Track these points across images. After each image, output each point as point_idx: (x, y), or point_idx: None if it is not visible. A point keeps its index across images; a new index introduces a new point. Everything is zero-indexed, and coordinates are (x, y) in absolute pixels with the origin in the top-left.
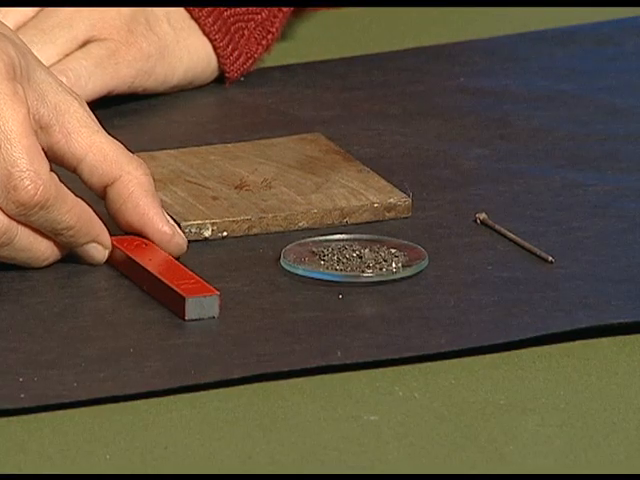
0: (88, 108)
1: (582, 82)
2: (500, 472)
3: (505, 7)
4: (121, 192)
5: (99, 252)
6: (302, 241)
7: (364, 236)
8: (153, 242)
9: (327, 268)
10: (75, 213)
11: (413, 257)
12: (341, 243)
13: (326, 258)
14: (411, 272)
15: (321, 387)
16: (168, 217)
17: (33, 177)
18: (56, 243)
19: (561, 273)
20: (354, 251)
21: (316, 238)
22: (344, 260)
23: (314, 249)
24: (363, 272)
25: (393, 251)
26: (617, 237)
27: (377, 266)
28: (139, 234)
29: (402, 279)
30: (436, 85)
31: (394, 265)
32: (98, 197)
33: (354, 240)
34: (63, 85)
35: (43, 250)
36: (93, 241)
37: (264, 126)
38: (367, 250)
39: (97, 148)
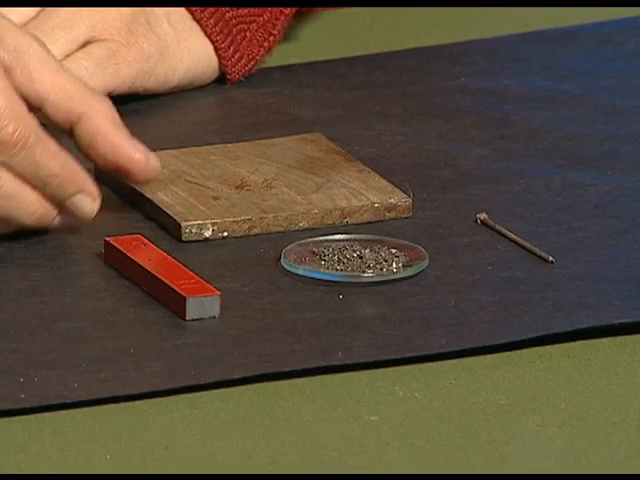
0: (47, 48)
1: (582, 82)
2: (500, 472)
3: (506, 7)
4: (89, 127)
5: (88, 203)
6: (303, 241)
7: (364, 236)
8: (128, 170)
9: (328, 268)
10: (59, 160)
11: (413, 257)
12: (342, 243)
13: (327, 258)
14: (411, 272)
15: (322, 387)
16: (138, 143)
17: (12, 115)
18: (44, 196)
19: (561, 273)
20: (355, 251)
21: (317, 238)
22: (345, 260)
23: (315, 249)
24: (364, 272)
25: (394, 251)
26: (617, 237)
27: (377, 266)
28: (113, 166)
29: (403, 279)
30: (436, 85)
31: (394, 265)
32: (67, 133)
33: (354, 240)
34: (20, 28)
35: (31, 201)
36: (80, 191)
37: (265, 126)
38: (367, 250)
39: (59, 86)
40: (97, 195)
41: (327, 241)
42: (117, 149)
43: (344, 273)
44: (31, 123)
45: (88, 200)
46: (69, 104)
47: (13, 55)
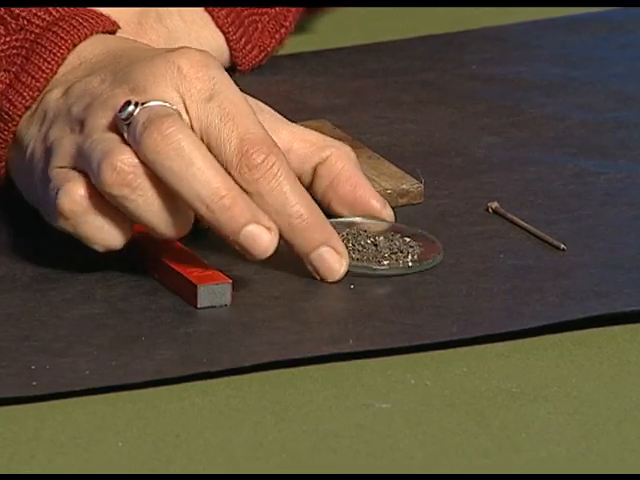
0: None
1: (594, 70)
2: (512, 460)
3: (514, 7)
4: (332, 167)
5: (334, 260)
6: None
7: (373, 221)
8: (363, 213)
9: None
10: (306, 202)
11: (428, 249)
12: (355, 229)
13: None
14: (426, 266)
15: (333, 375)
16: (375, 191)
17: (263, 142)
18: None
19: (573, 261)
20: (368, 238)
21: (330, 220)
22: (359, 248)
23: None
24: (379, 262)
25: (407, 240)
26: (629, 225)
27: (393, 256)
28: (348, 207)
29: (419, 272)
30: (448, 73)
31: (410, 258)
32: (306, 183)
33: (365, 224)
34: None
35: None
36: (325, 244)
37: None
38: (382, 238)
39: (300, 136)
40: (344, 252)
41: (339, 224)
42: (357, 190)
43: (359, 263)
44: (282, 157)
45: (336, 256)
46: (314, 149)
47: None
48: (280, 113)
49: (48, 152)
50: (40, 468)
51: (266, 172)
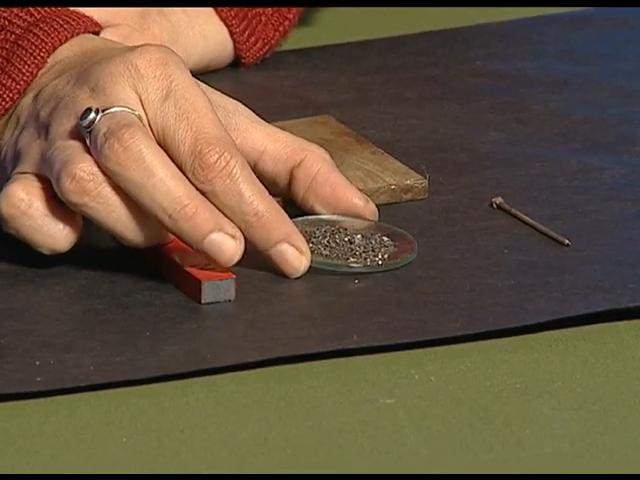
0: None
1: (599, 66)
2: (516, 455)
3: (514, 7)
4: (309, 169)
5: (294, 256)
6: (296, 219)
7: (357, 220)
8: (346, 212)
9: (313, 252)
10: (264, 199)
11: (401, 249)
12: (336, 226)
13: (315, 240)
14: (395, 265)
15: (337, 371)
16: (356, 188)
17: (218, 142)
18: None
19: (577, 257)
20: (346, 235)
21: (310, 217)
22: (333, 245)
23: (307, 229)
24: (347, 260)
25: (385, 239)
26: (633, 220)
27: (363, 255)
28: (331, 208)
29: (386, 271)
30: (452, 69)
31: (380, 257)
32: (282, 185)
33: (351, 222)
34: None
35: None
36: (285, 240)
37: (280, 109)
38: (359, 236)
39: (274, 137)
40: (304, 249)
41: (320, 221)
42: (337, 190)
43: (327, 260)
44: (238, 154)
45: (295, 252)
46: (288, 151)
47: (224, 114)
48: (284, 109)
49: (16, 158)
50: (44, 464)
51: (220, 171)
